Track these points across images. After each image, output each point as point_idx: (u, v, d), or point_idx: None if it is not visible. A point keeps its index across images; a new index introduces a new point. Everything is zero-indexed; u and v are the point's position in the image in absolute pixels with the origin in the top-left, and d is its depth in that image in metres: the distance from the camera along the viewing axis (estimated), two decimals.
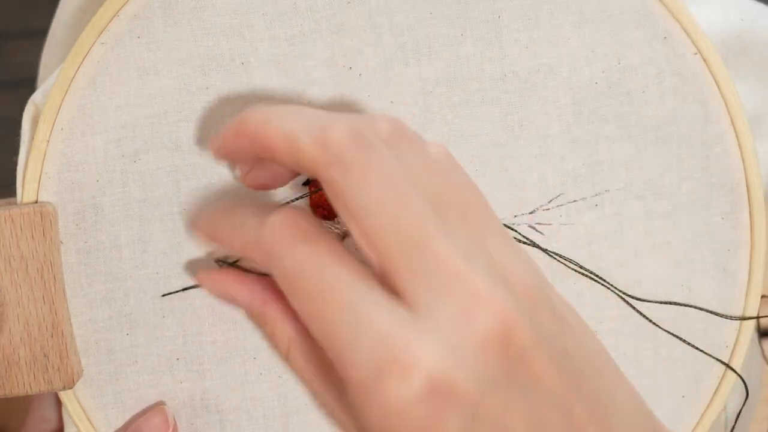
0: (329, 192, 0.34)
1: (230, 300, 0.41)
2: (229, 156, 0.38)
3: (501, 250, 0.34)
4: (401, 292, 0.33)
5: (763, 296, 0.47)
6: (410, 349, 0.31)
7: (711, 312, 0.46)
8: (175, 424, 0.44)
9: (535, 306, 0.33)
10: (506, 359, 0.32)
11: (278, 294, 0.39)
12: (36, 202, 0.44)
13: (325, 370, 0.36)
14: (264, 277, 0.40)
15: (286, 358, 0.38)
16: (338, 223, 0.45)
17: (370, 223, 0.33)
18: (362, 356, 0.31)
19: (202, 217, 0.41)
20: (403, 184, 0.33)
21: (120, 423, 0.45)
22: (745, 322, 0.47)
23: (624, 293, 0.46)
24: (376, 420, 0.31)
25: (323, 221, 0.45)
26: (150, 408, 0.45)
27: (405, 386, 0.31)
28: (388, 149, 0.34)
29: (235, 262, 0.44)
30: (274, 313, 0.39)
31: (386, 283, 0.33)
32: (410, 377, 0.31)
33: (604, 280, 0.46)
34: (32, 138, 0.44)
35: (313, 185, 0.45)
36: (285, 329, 0.38)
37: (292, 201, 0.44)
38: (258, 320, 0.40)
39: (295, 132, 0.34)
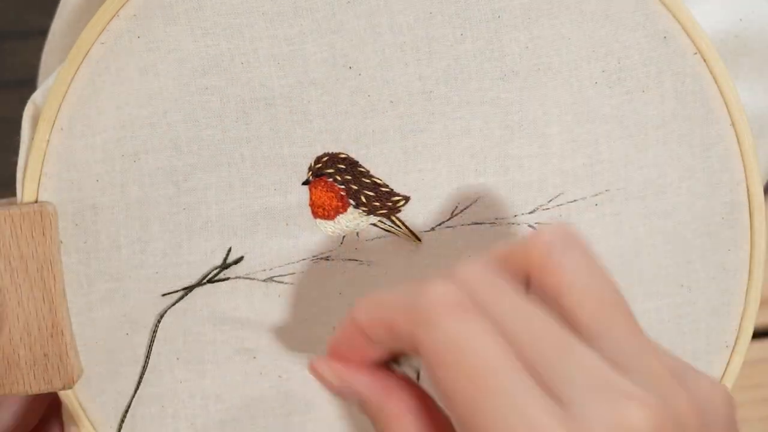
0: (425, 360, 0.33)
1: (346, 389, 0.38)
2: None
3: (659, 371, 0.33)
4: (548, 389, 0.32)
5: None
6: None
7: None
8: None
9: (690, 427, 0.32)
10: None
11: (400, 383, 0.37)
12: (36, 201, 0.44)
13: None
14: (381, 365, 0.38)
15: None
16: (338, 223, 0.45)
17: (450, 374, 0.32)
18: None
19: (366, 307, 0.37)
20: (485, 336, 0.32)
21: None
22: (745, 323, 0.47)
23: None
24: None
25: (325, 219, 0.45)
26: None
27: None
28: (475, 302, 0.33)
29: None
30: (395, 406, 0.36)
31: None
32: None
33: None
34: (32, 138, 0.44)
35: (312, 185, 0.45)
36: (403, 426, 0.36)
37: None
38: (372, 411, 0.37)
39: (389, 310, 0.35)
